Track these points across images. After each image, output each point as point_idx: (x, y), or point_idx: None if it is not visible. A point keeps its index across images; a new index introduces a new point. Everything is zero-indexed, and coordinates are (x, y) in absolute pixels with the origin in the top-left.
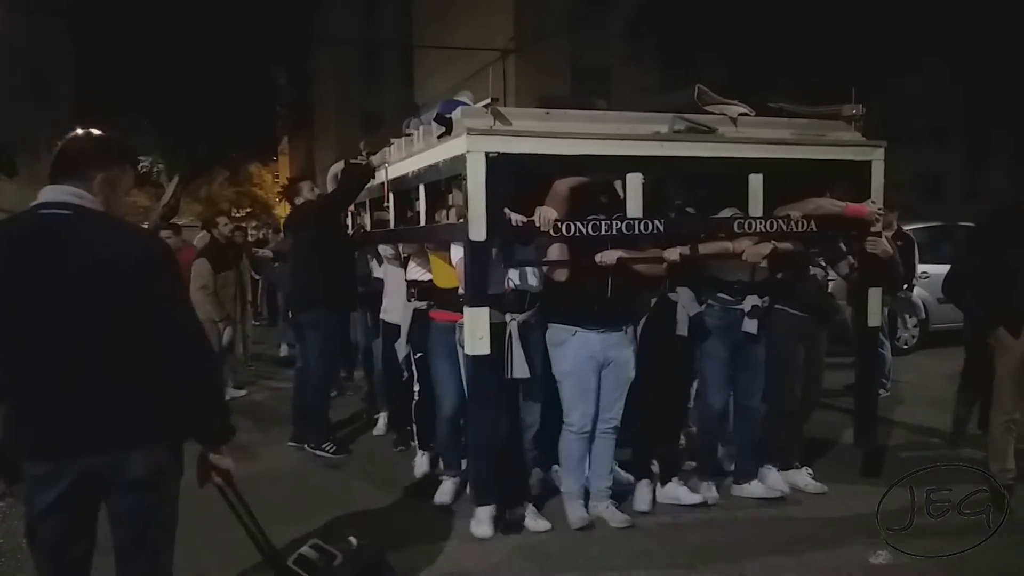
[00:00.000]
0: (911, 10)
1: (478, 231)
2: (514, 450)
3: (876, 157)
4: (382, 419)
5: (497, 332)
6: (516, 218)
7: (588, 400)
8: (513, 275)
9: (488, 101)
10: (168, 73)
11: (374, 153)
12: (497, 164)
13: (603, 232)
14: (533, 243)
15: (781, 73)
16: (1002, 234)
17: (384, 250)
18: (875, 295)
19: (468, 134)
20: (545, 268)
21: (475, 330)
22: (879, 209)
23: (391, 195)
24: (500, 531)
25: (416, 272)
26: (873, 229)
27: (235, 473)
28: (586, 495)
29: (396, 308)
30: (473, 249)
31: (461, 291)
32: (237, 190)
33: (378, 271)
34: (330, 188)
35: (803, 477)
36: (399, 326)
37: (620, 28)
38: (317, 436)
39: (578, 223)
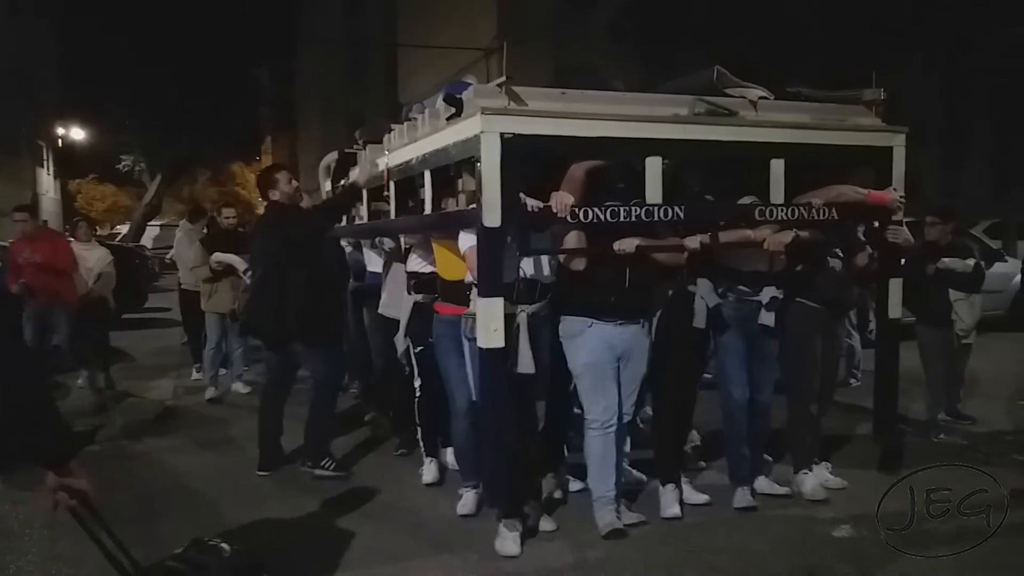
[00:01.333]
0: (890, 10)
1: (492, 217)
2: (527, 450)
3: (898, 143)
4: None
5: (506, 325)
6: (532, 203)
7: (610, 393)
8: (526, 264)
9: (503, 80)
10: (151, 72)
11: (374, 142)
12: (512, 146)
13: (622, 218)
14: (547, 230)
15: (762, 72)
16: None
17: (384, 243)
18: (896, 286)
19: (482, 114)
20: (560, 257)
21: (489, 322)
22: (901, 197)
23: (392, 184)
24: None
25: (417, 263)
26: (895, 218)
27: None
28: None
29: (396, 303)
30: (487, 236)
31: (468, 281)
32: (219, 190)
33: (373, 265)
34: (322, 181)
35: (822, 472)
36: (398, 320)
37: (602, 27)
38: (316, 454)
39: (596, 209)
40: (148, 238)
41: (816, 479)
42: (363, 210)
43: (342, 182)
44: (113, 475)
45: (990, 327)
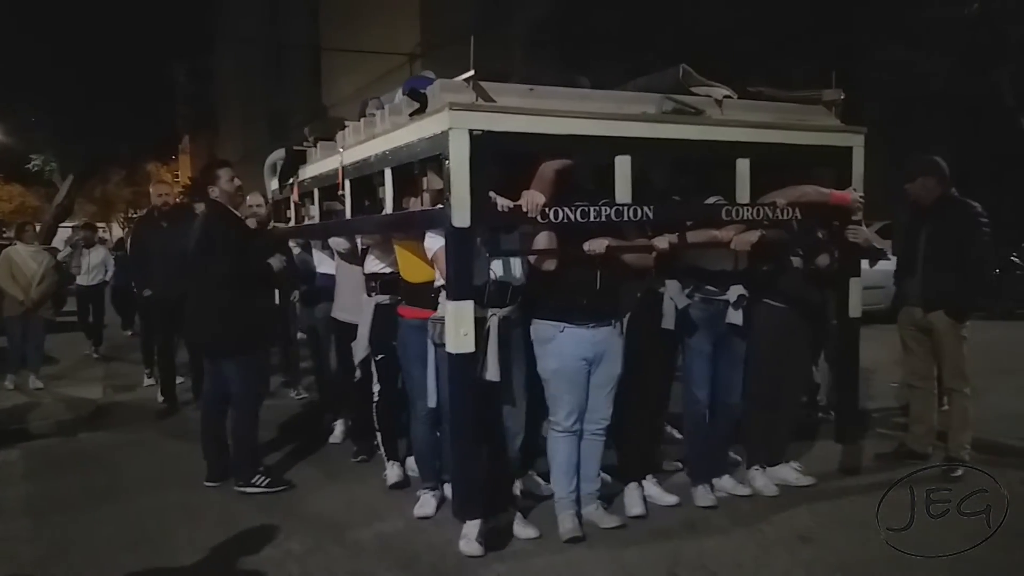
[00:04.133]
0: (787, 28)
1: (462, 217)
2: (498, 458)
3: (857, 143)
4: (338, 426)
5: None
6: (502, 203)
7: (577, 397)
8: (496, 266)
9: (470, 74)
10: (62, 67)
11: (326, 139)
12: (482, 143)
13: (592, 218)
14: (516, 231)
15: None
16: None
17: (337, 243)
18: (856, 285)
19: (451, 109)
20: (531, 258)
21: (459, 326)
22: (861, 197)
23: (347, 183)
24: (485, 545)
25: (375, 264)
26: (854, 218)
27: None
28: (578, 502)
29: (351, 306)
30: (456, 236)
31: (438, 283)
32: (134, 190)
33: (324, 266)
34: (267, 180)
35: (790, 472)
36: (353, 324)
37: (523, 35)
38: (244, 471)
39: (566, 209)
40: (60, 240)
41: (767, 476)
42: (313, 210)
43: (290, 180)
44: (50, 472)
45: (874, 319)
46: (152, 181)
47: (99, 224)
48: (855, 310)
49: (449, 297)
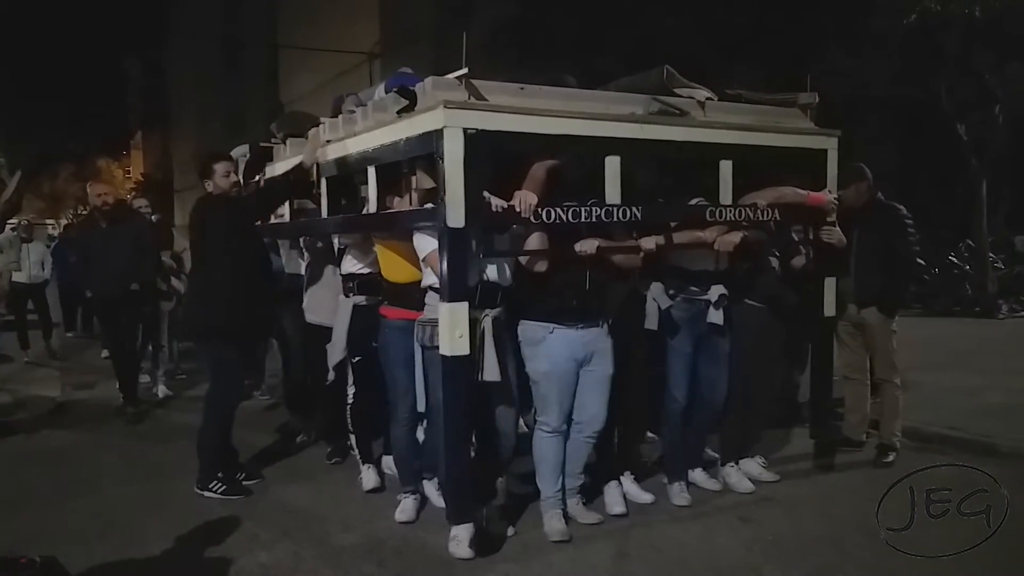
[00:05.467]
0: (735, 32)
1: (456, 217)
2: (487, 459)
3: (831, 146)
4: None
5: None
6: (497, 203)
7: (566, 399)
8: (487, 267)
9: (463, 72)
10: (9, 62)
11: (297, 135)
12: (475, 142)
13: (583, 219)
14: (507, 231)
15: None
16: None
17: (313, 243)
18: (830, 285)
19: (445, 107)
20: (521, 258)
21: (454, 328)
22: (835, 198)
23: (323, 181)
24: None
25: (352, 265)
26: (828, 219)
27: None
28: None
29: (321, 307)
30: (451, 237)
31: (425, 284)
32: (83, 186)
33: (292, 267)
34: None
35: (755, 466)
36: (324, 326)
37: (481, 37)
38: (203, 474)
39: (558, 209)
40: (5, 239)
41: (742, 472)
42: (282, 208)
43: (256, 178)
44: (15, 467)
45: None
46: (91, 181)
47: (48, 221)
48: (830, 309)
49: (443, 299)
